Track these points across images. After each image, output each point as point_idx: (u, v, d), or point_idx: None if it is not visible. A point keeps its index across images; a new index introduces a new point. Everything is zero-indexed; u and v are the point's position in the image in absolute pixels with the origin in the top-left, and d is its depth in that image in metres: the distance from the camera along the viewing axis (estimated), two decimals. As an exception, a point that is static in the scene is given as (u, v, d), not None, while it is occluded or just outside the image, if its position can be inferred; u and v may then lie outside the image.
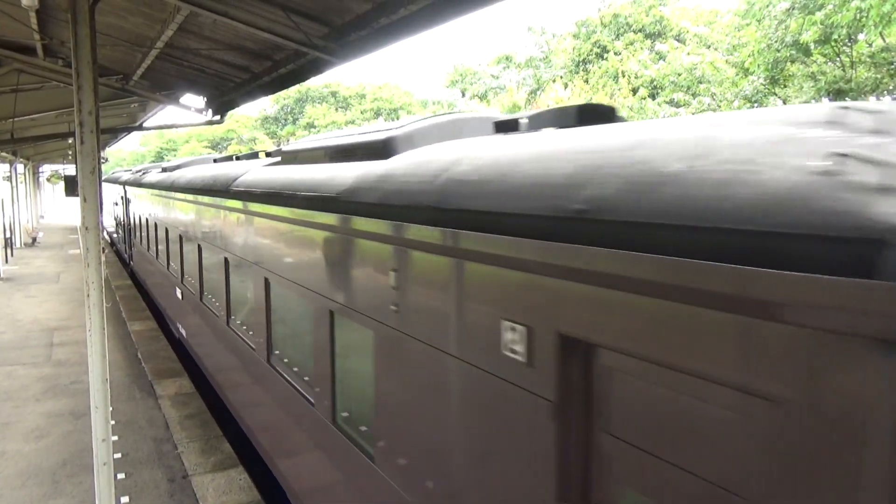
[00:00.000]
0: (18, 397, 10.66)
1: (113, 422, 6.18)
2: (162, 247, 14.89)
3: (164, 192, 14.44)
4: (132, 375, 11.96)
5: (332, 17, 7.03)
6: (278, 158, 8.28)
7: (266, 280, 6.87)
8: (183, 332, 12.54)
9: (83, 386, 10.82)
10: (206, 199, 9.92)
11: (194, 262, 10.98)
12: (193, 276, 11.17)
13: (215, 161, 14.03)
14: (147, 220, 17.60)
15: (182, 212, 12.33)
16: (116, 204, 27.83)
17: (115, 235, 30.90)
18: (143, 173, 21.02)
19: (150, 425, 9.54)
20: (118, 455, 8.16)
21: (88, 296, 5.49)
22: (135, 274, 21.83)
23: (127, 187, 22.63)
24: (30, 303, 18.37)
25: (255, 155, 11.78)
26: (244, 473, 8.03)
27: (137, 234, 20.25)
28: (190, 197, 11.18)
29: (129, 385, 11.36)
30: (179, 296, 12.71)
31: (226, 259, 8.73)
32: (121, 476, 7.76)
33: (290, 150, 7.56)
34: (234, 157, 13.09)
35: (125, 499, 7.32)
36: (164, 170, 17.24)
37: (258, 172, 7.72)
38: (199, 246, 10.57)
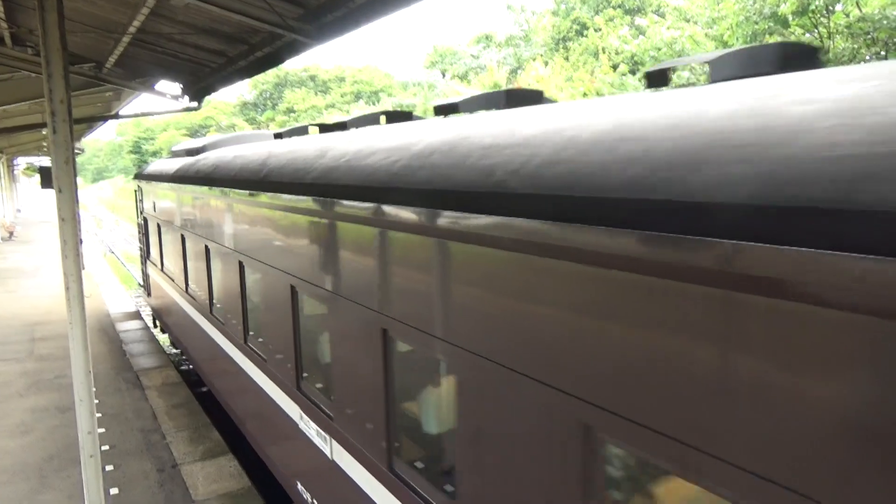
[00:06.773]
0: (1, 393, 10.53)
1: (99, 414, 6.15)
2: None
3: None
4: (117, 367, 11.85)
5: (306, -3, 6.91)
6: None
7: None
8: None
9: (67, 380, 10.70)
10: None
11: None
12: None
13: None
14: None
15: None
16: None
17: None
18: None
19: (137, 416, 9.48)
20: (106, 447, 8.11)
21: (68, 288, 5.40)
22: None
23: None
24: (8, 298, 18.11)
25: None
26: (234, 461, 8.02)
27: None
28: None
29: (115, 377, 11.26)
30: None
31: None
32: (109, 468, 7.71)
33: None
34: None
35: (114, 490, 7.28)
36: None
37: None
38: None
